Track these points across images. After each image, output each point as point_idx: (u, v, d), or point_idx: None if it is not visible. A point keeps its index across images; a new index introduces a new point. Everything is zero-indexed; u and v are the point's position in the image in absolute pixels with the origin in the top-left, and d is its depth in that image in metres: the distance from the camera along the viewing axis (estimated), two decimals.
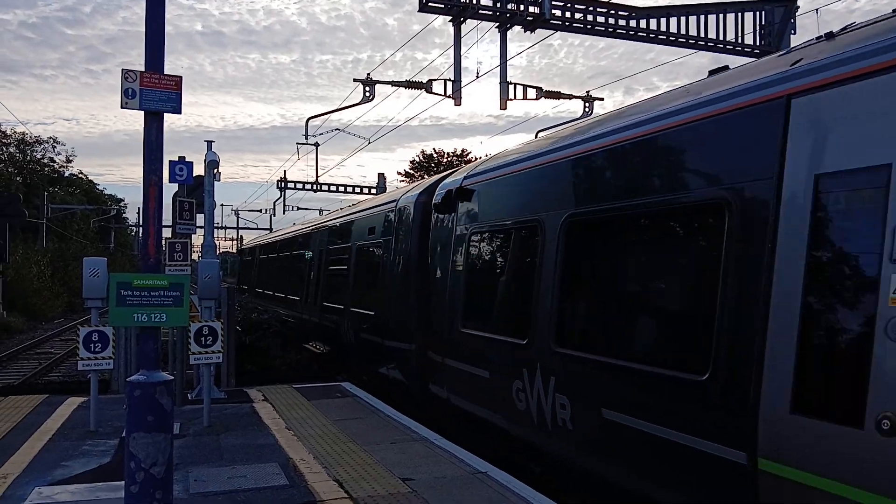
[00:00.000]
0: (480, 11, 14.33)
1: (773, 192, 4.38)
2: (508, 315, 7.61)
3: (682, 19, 15.49)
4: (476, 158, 39.90)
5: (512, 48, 15.99)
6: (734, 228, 4.63)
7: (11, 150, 53.86)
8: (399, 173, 57.89)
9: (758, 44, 15.87)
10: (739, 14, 15.93)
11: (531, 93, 17.37)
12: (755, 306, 4.40)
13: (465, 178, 8.99)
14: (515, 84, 16.75)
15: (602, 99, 19.84)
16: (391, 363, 10.70)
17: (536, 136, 8.84)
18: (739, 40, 15.79)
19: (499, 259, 8.24)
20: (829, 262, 4.13)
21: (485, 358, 7.79)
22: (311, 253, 16.86)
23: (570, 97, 19.29)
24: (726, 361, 4.57)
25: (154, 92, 4.78)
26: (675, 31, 15.49)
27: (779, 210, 4.34)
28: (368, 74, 18.20)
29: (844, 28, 4.59)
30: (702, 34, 15.61)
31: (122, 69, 4.85)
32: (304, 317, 16.26)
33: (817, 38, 4.75)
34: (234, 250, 43.34)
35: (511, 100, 16.42)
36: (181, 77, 4.97)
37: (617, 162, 6.08)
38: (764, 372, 4.26)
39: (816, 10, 14.19)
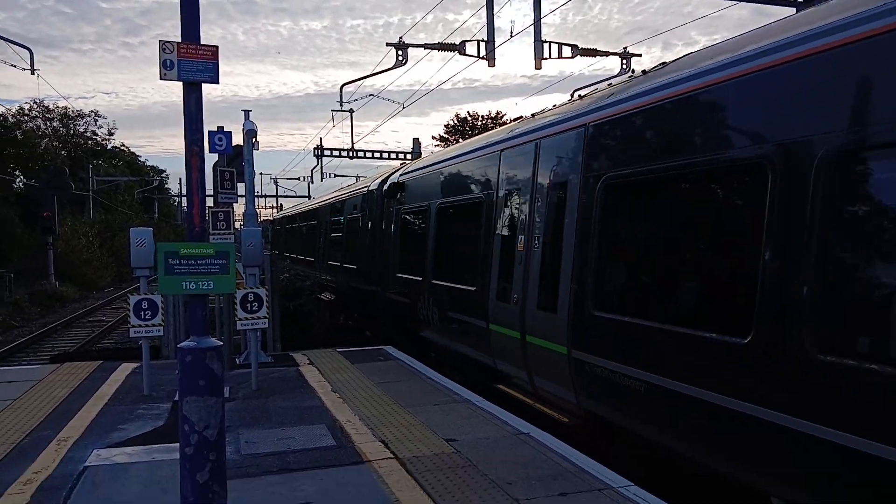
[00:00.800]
0: None
1: None
2: (416, 264, 11.58)
3: None
4: (510, 121, 39.24)
5: (545, 6, 15.63)
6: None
7: (55, 124, 55.01)
8: (434, 137, 57.65)
9: None
10: None
11: (566, 51, 17.04)
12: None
13: (399, 175, 13.32)
14: (550, 42, 16.45)
15: (640, 55, 19.37)
16: (370, 302, 14.16)
17: (571, 97, 8.67)
18: None
19: (412, 230, 12.29)
20: None
21: (406, 290, 11.98)
22: (318, 223, 21.58)
23: (607, 54, 18.87)
24: (480, 281, 9.05)
25: (192, 62, 4.80)
26: None
27: None
28: (401, 38, 18.03)
29: None
30: None
31: (160, 41, 4.86)
32: (317, 273, 19.91)
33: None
34: (270, 219, 44.78)
35: (546, 59, 16.15)
36: (217, 47, 4.97)
37: (447, 175, 10.93)
38: (526, 290, 7.83)
39: None
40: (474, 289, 9.15)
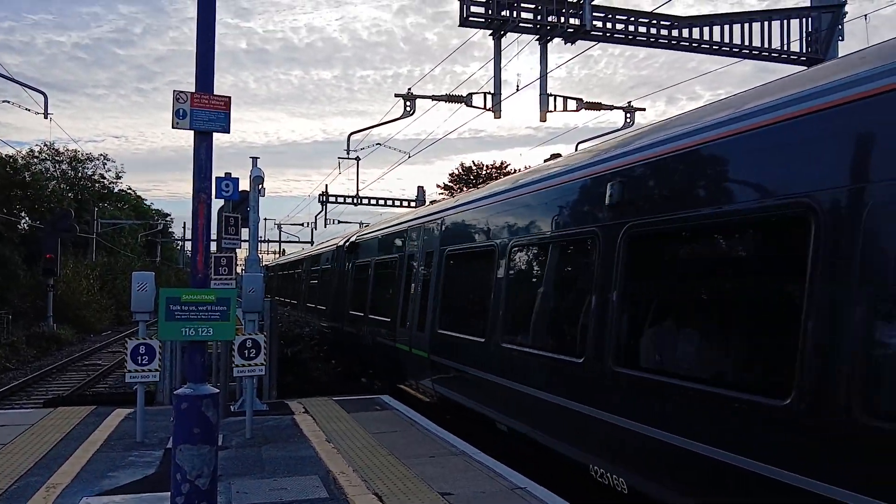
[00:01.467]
0: (521, 24, 14.33)
1: None
2: (360, 304, 15.53)
3: (726, 27, 15.27)
4: (515, 170, 39.56)
5: (552, 60, 15.95)
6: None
7: (64, 167, 55.68)
8: (438, 186, 58.12)
9: (804, 51, 15.55)
10: (785, 21, 15.62)
11: (571, 104, 17.31)
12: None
13: (355, 238, 17.69)
14: (555, 96, 16.71)
15: (644, 109, 19.69)
16: (333, 335, 18.12)
17: (577, 149, 8.98)
18: (785, 48, 15.49)
19: (362, 280, 16.00)
20: None
21: (359, 326, 15.43)
22: (300, 272, 26.92)
23: (611, 108, 19.18)
24: (392, 314, 12.85)
25: (204, 112, 4.89)
26: (719, 40, 15.26)
27: None
28: (409, 89, 18.36)
29: None
30: (746, 42, 15.36)
31: (174, 91, 4.97)
32: (298, 313, 24.18)
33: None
34: (265, 266, 46.35)
35: (551, 112, 16.37)
36: (230, 97, 5.07)
37: (387, 238, 14.86)
38: (426, 317, 11.06)
39: (865, 15, 13.87)
40: (389, 320, 13.13)
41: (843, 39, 15.61)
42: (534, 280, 8.35)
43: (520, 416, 7.88)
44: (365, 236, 17.02)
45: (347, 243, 17.99)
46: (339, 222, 43.47)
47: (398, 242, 13.68)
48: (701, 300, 5.54)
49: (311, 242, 53.39)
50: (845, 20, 15.69)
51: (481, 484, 6.79)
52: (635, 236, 6.04)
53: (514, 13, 14.07)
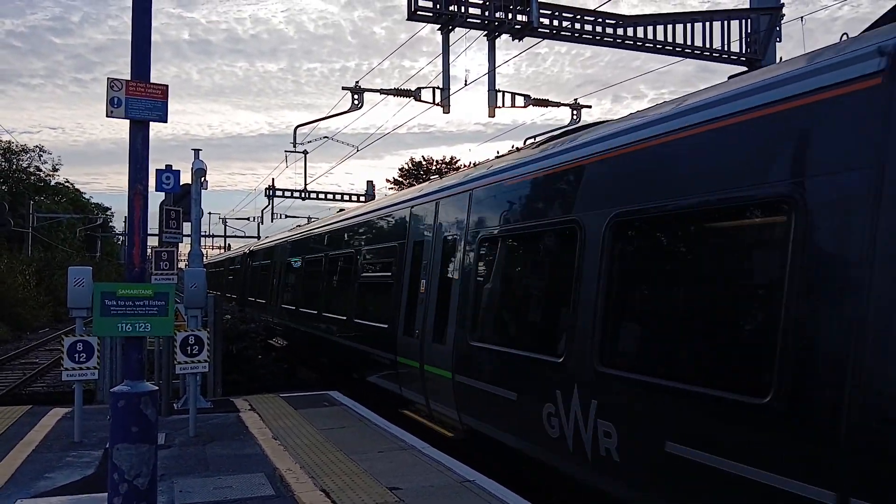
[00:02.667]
0: (469, 20, 14.34)
1: None
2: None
3: (669, 27, 15.58)
4: (464, 166, 39.83)
5: (499, 56, 16.06)
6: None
7: None
8: (388, 181, 57.88)
9: (744, 52, 15.99)
10: (726, 22, 16.01)
11: (519, 100, 17.40)
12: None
13: (253, 249, 24.65)
14: (504, 92, 16.78)
15: (590, 107, 19.97)
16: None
17: (525, 144, 8.97)
18: (726, 48, 15.90)
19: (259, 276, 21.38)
20: None
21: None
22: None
23: (559, 105, 19.35)
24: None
25: (140, 101, 4.75)
26: (662, 39, 15.56)
27: None
28: (357, 83, 18.20)
29: None
30: (688, 42, 15.71)
31: (108, 78, 4.81)
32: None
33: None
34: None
35: (499, 107, 16.43)
36: (167, 86, 4.94)
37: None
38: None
39: (801, 18, 14.33)
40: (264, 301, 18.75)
41: (780, 41, 16.10)
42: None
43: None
44: (258, 247, 21.76)
45: (252, 250, 22.69)
46: (287, 217, 42.89)
47: (273, 253, 18.08)
48: None
49: (258, 237, 52.56)
50: (783, 22, 16.19)
51: (430, 478, 6.80)
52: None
53: (462, 8, 14.06)
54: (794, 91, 4.18)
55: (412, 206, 10.12)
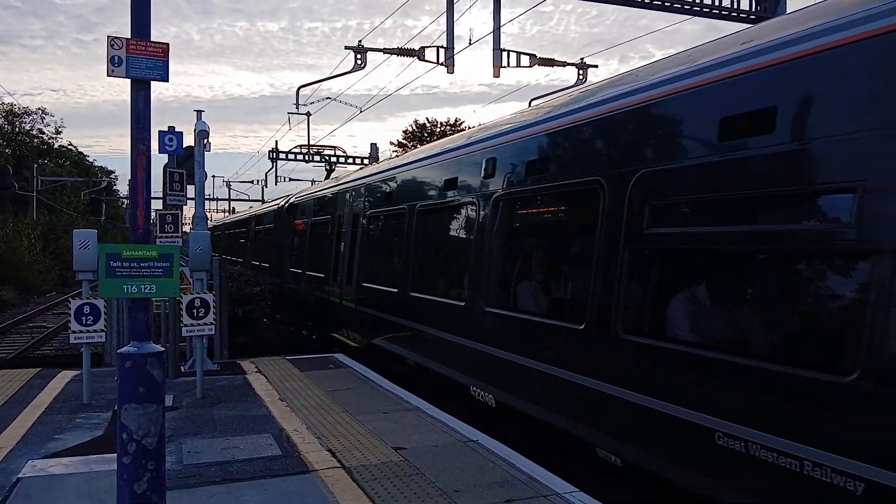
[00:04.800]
0: None
1: None
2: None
3: None
4: (469, 127, 39.56)
5: (504, 15, 15.78)
6: None
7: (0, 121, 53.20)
8: (392, 143, 57.61)
9: (754, 9, 15.68)
10: None
11: (524, 60, 17.18)
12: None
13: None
14: (509, 51, 16.57)
15: (596, 66, 19.65)
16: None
17: (530, 105, 8.88)
18: (736, 6, 15.59)
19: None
20: None
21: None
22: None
23: (564, 64, 19.09)
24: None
25: (141, 59, 4.66)
26: None
27: None
28: (360, 42, 17.96)
29: None
30: (697, 0, 15.41)
31: (108, 36, 4.72)
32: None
33: None
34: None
35: (504, 67, 16.24)
36: (168, 44, 4.84)
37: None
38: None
39: None
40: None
41: None
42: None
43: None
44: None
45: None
46: (291, 179, 42.76)
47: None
48: None
49: (262, 200, 52.51)
50: None
51: (434, 438, 6.87)
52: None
53: None
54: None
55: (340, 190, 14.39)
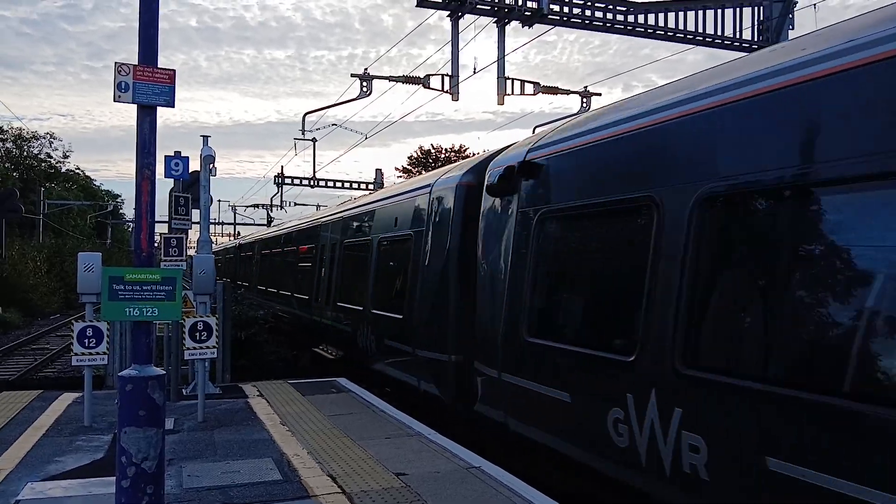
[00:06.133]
0: (478, 7, 14.27)
1: None
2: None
3: (680, 14, 15.45)
4: (474, 154, 39.99)
5: (508, 44, 15.97)
6: None
7: (8, 145, 53.73)
8: (397, 168, 57.93)
9: (756, 39, 15.84)
10: (738, 9, 15.88)
11: (528, 88, 17.34)
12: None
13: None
14: (513, 79, 16.73)
15: (600, 94, 19.81)
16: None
17: (534, 132, 8.92)
18: (737, 35, 15.75)
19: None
20: None
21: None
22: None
23: (568, 92, 19.26)
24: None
25: (147, 85, 4.75)
26: (673, 27, 15.44)
27: None
28: (366, 70, 18.17)
29: None
30: (699, 29, 15.57)
31: (115, 62, 4.81)
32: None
33: None
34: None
35: (508, 95, 16.39)
36: (174, 70, 4.94)
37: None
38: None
39: (814, 4, 14.15)
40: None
41: (793, 28, 15.95)
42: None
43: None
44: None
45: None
46: (296, 204, 42.96)
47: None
48: None
49: (268, 224, 52.74)
50: (795, 9, 16.01)
51: (437, 464, 6.82)
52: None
53: None
54: None
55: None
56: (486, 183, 8.00)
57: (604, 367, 5.56)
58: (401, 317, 9.94)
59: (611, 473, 5.46)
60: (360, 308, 11.89)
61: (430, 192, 9.79)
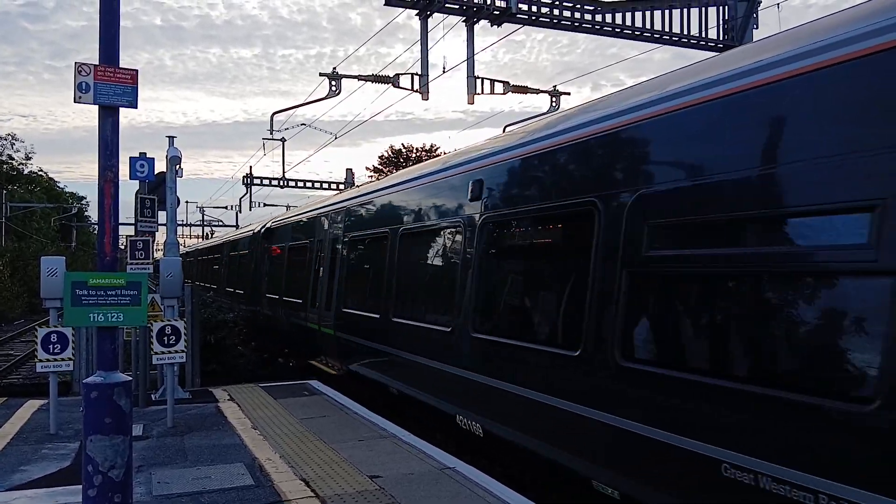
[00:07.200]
0: (447, 5, 14.25)
1: None
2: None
3: (647, 14, 15.60)
4: (444, 153, 39.72)
5: (477, 43, 16.00)
6: None
7: None
8: (368, 168, 57.71)
9: (721, 38, 16.05)
10: (703, 9, 16.07)
11: (498, 87, 17.35)
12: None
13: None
14: (483, 78, 16.72)
15: (569, 94, 19.92)
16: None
17: (504, 131, 8.96)
18: (703, 35, 15.95)
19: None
20: None
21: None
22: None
23: (538, 92, 19.30)
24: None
25: (109, 86, 4.65)
26: (640, 26, 15.58)
27: None
28: (334, 69, 18.04)
29: None
30: (666, 29, 15.73)
31: (76, 62, 4.70)
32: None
33: None
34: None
35: (478, 94, 16.38)
36: (137, 70, 4.84)
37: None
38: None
39: (777, 4, 14.40)
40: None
41: (757, 27, 16.20)
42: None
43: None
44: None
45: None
46: (265, 205, 42.54)
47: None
48: None
49: (236, 226, 52.20)
50: (760, 8, 16.26)
51: (410, 465, 6.79)
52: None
53: None
54: None
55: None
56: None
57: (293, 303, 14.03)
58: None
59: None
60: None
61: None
